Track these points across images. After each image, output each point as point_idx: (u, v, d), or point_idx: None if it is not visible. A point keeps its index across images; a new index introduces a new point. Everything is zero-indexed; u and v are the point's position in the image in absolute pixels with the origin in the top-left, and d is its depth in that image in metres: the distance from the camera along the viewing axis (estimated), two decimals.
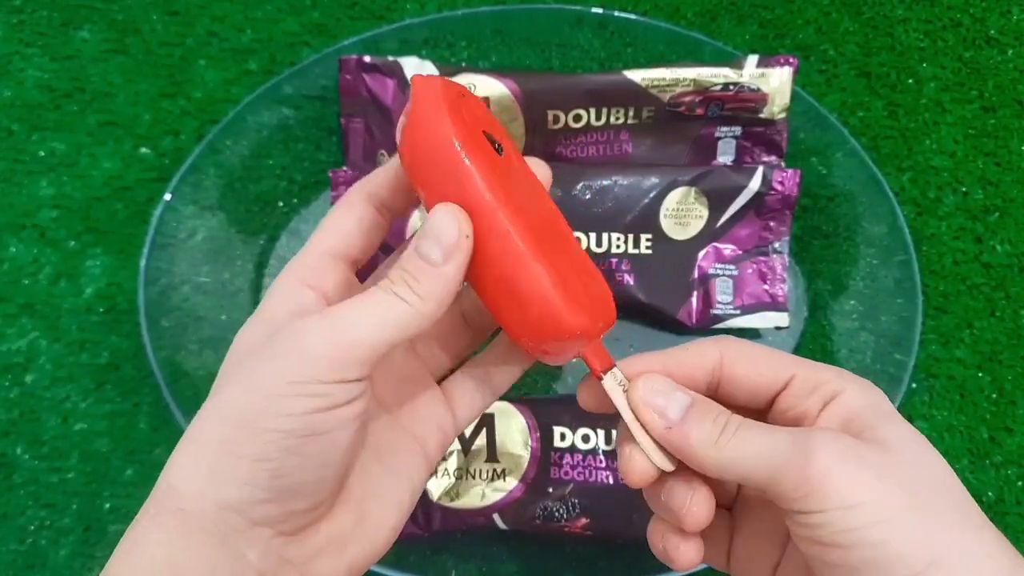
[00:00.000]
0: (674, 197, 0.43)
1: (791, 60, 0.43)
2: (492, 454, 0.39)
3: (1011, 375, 0.46)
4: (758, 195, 0.43)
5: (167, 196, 0.43)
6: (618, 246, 0.43)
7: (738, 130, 0.45)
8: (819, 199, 0.47)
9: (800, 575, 0.26)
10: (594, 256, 0.43)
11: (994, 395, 0.46)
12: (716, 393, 0.27)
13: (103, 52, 0.48)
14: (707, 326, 0.44)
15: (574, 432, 0.40)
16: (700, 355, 0.27)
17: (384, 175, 0.27)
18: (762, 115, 0.44)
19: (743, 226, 0.44)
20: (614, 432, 0.39)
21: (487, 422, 0.40)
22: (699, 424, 0.25)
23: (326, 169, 0.47)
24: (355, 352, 0.24)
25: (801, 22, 0.51)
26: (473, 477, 0.39)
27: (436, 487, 0.39)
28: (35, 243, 0.46)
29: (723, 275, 0.44)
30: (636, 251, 0.43)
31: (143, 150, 0.47)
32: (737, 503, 0.30)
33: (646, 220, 0.43)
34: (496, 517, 0.39)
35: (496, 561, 0.41)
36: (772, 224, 0.44)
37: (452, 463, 0.39)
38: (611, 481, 0.39)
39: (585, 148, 0.45)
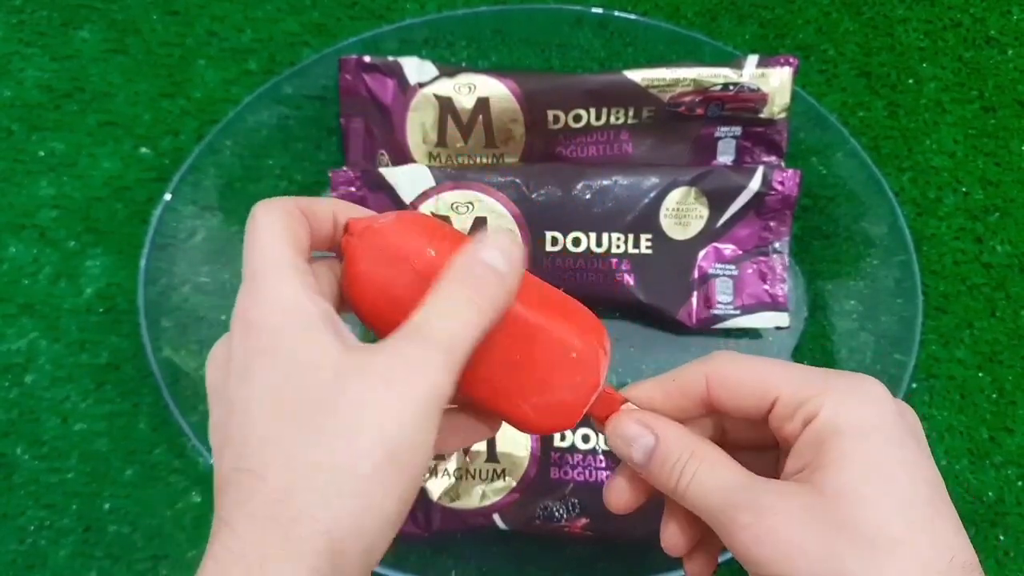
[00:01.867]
0: (674, 197, 0.43)
1: (791, 60, 0.43)
2: (492, 454, 0.39)
3: (1011, 375, 0.46)
4: (758, 195, 0.43)
5: (167, 196, 0.43)
6: (618, 246, 0.43)
7: (738, 130, 0.45)
8: (819, 199, 0.47)
9: None
10: (594, 256, 0.43)
11: (994, 395, 0.46)
12: (713, 407, 0.28)
13: (103, 52, 0.48)
14: (707, 326, 0.44)
15: (574, 432, 0.40)
16: (689, 382, 0.28)
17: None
18: (762, 115, 0.44)
19: (743, 226, 0.44)
20: None
21: None
22: (660, 470, 0.27)
23: (326, 169, 0.47)
24: (462, 364, 0.23)
25: (801, 22, 0.51)
26: (473, 477, 0.39)
27: (436, 487, 0.39)
28: (35, 243, 0.46)
29: (723, 275, 0.44)
30: (636, 251, 0.43)
31: (143, 150, 0.47)
32: None
33: (646, 220, 0.43)
34: (496, 517, 0.39)
35: (496, 562, 0.41)
36: (772, 224, 0.44)
37: (452, 463, 0.39)
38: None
39: (585, 148, 0.45)
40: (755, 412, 0.27)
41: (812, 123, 0.46)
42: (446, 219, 0.42)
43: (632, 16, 0.47)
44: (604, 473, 0.39)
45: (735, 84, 0.43)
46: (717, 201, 0.44)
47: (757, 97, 0.44)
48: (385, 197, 0.43)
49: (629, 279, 0.43)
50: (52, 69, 0.48)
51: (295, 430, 0.22)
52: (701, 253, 0.44)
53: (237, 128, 0.45)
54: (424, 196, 0.42)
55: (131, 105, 0.48)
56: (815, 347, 0.46)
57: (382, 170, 0.43)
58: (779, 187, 0.43)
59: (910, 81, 0.50)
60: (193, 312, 0.44)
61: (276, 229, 0.25)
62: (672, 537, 0.29)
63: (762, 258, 0.45)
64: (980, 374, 0.46)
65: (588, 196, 0.43)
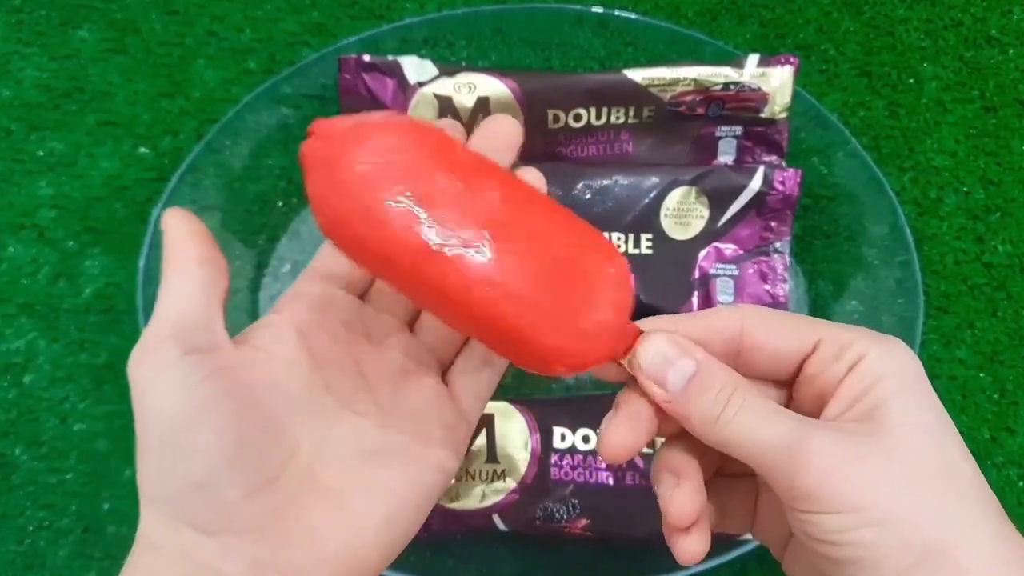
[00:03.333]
0: (675, 197, 0.43)
1: (792, 59, 0.43)
2: (492, 454, 0.39)
3: (1012, 375, 0.46)
4: (759, 195, 0.43)
5: (166, 196, 0.43)
6: (618, 246, 0.43)
7: (739, 130, 0.45)
8: (820, 199, 0.47)
9: None
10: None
11: (995, 395, 0.46)
12: (736, 361, 0.26)
13: (102, 52, 0.48)
14: None
15: (574, 433, 0.40)
16: (721, 320, 0.26)
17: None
18: (763, 115, 0.44)
19: (744, 226, 0.44)
20: None
21: (487, 423, 0.40)
22: (700, 398, 0.25)
23: None
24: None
25: (802, 21, 0.51)
26: (473, 478, 0.39)
27: None
28: (34, 243, 0.46)
29: (724, 275, 0.44)
30: (637, 251, 0.43)
31: (142, 150, 0.47)
32: None
33: (646, 220, 0.43)
34: (496, 518, 0.39)
35: (496, 562, 0.41)
36: (773, 224, 0.44)
37: None
38: (611, 482, 0.39)
39: (585, 148, 0.45)
40: (793, 356, 0.26)
41: (813, 123, 0.46)
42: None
43: (632, 16, 0.47)
44: (605, 474, 0.39)
45: (736, 83, 0.43)
46: (718, 201, 0.44)
47: (758, 96, 0.43)
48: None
49: None
50: (51, 69, 0.48)
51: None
52: (702, 253, 0.44)
53: (236, 128, 0.45)
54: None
55: (130, 105, 0.48)
56: None
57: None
58: (780, 187, 0.43)
59: (911, 81, 0.50)
60: None
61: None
62: (683, 505, 0.26)
63: (763, 258, 0.45)
64: (981, 374, 0.46)
65: (588, 196, 0.43)
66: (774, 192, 0.43)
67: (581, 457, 0.39)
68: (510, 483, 0.39)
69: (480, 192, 0.22)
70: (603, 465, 0.39)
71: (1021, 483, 0.45)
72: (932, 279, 0.48)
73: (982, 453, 0.46)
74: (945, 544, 0.22)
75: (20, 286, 0.46)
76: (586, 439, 0.40)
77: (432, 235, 0.21)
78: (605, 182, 0.43)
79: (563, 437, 0.40)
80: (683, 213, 0.43)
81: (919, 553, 0.22)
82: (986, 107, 0.50)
